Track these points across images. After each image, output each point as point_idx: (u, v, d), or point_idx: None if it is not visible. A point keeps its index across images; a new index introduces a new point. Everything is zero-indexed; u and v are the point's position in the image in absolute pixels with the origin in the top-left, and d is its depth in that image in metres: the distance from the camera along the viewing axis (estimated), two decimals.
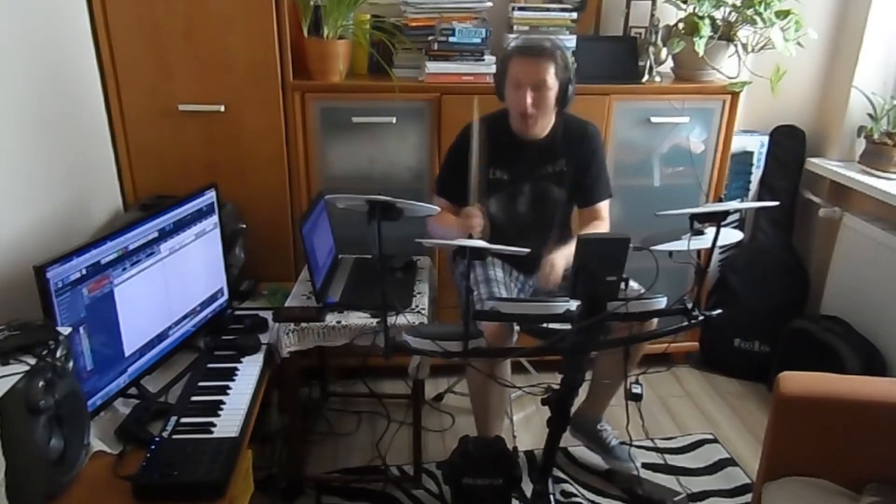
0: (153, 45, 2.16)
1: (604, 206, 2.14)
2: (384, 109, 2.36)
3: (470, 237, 1.77)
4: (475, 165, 1.91)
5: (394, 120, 2.37)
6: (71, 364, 1.39)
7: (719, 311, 1.68)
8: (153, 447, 1.48)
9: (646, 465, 2.26)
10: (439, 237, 2.03)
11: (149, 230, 1.73)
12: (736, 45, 2.46)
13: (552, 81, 1.93)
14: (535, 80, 1.92)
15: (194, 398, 1.69)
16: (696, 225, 1.62)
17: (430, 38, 2.37)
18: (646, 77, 2.52)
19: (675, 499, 2.10)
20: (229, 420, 1.61)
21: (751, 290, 2.79)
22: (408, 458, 2.25)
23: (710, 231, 1.61)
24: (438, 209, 1.71)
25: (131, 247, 1.67)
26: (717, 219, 1.60)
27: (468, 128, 2.05)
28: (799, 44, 2.40)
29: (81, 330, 1.51)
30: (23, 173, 1.72)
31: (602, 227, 2.12)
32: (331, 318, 1.95)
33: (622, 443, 2.23)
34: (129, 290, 1.66)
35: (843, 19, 2.64)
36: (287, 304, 2.05)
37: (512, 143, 2.04)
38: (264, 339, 1.97)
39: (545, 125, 2.02)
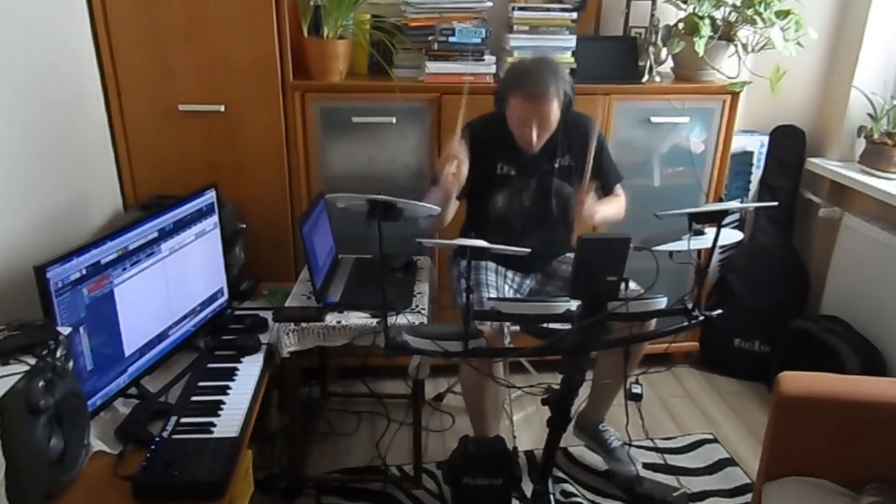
0: (153, 46, 2.16)
1: (618, 189, 2.19)
2: (384, 109, 2.36)
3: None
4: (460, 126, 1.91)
5: (394, 120, 2.37)
6: (71, 364, 1.39)
7: (719, 311, 1.68)
8: (153, 447, 1.48)
9: (646, 465, 2.26)
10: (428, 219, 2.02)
11: (149, 230, 1.73)
12: (736, 45, 2.46)
13: (556, 113, 1.93)
14: (540, 118, 1.92)
15: (194, 398, 1.69)
16: (696, 225, 1.62)
17: (430, 38, 2.37)
18: (646, 77, 2.52)
19: (674, 494, 2.10)
20: (229, 420, 1.61)
21: (751, 290, 2.79)
22: (408, 458, 2.25)
23: (711, 231, 1.61)
24: (438, 209, 1.71)
25: (131, 247, 1.66)
26: (717, 219, 1.60)
27: (468, 127, 2.05)
28: (799, 44, 2.40)
29: (81, 330, 1.51)
30: (23, 173, 1.72)
31: (618, 201, 2.17)
32: (331, 318, 1.94)
33: (623, 443, 2.23)
34: (129, 290, 1.66)
35: (843, 19, 2.64)
36: (287, 304, 2.05)
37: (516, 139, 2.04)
38: (264, 339, 1.97)
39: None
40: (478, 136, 2.04)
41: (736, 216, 2.79)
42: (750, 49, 2.47)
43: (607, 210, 2.08)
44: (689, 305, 1.65)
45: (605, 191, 2.18)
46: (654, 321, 1.91)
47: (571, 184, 2.12)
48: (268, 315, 2.05)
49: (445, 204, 1.91)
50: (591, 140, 1.89)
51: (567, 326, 1.58)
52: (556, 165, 2.08)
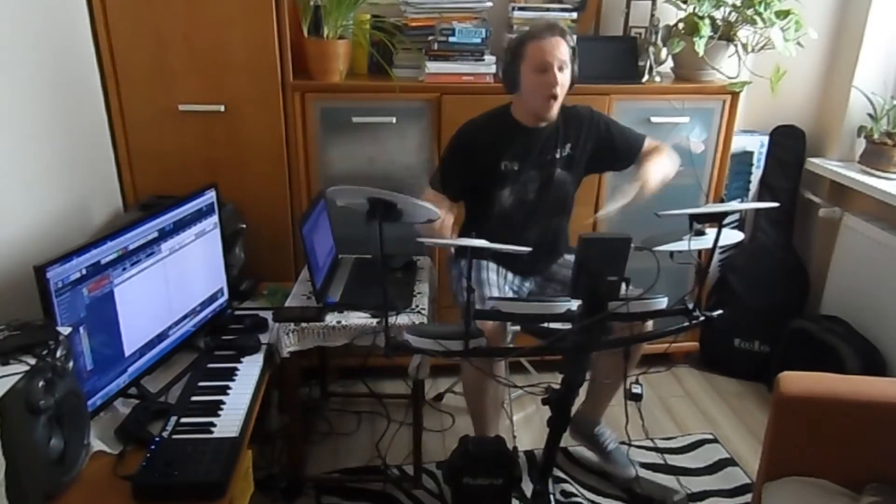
0: (153, 46, 2.16)
1: (649, 142, 2.14)
2: (384, 109, 2.36)
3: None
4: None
5: (394, 120, 2.37)
6: (71, 364, 1.39)
7: (720, 311, 1.68)
8: (153, 447, 1.48)
9: (646, 465, 2.26)
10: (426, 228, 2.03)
11: (149, 230, 1.73)
12: (736, 45, 2.46)
13: (569, 58, 1.94)
14: (560, 58, 1.92)
15: (194, 398, 1.69)
16: (697, 225, 1.62)
17: (430, 38, 2.37)
18: (646, 77, 2.52)
19: (675, 498, 2.10)
20: (229, 420, 1.61)
21: (751, 290, 2.79)
22: (408, 458, 2.25)
23: (711, 231, 1.61)
24: (439, 213, 1.71)
25: (131, 247, 1.66)
26: (718, 219, 1.60)
27: (464, 128, 2.06)
28: (799, 44, 2.40)
29: (81, 330, 1.51)
30: (23, 173, 1.72)
31: (664, 148, 2.13)
32: (331, 318, 1.94)
33: (622, 442, 2.23)
34: (129, 289, 1.66)
35: (843, 19, 2.64)
36: (287, 304, 2.05)
37: (518, 133, 2.04)
38: (264, 339, 1.97)
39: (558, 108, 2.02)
40: (477, 137, 2.04)
41: (736, 216, 2.79)
42: (750, 49, 2.47)
43: (659, 170, 2.00)
44: (690, 305, 1.65)
45: (635, 155, 2.12)
46: (653, 321, 1.91)
47: (573, 173, 2.12)
48: (268, 315, 2.05)
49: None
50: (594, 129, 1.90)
51: (567, 326, 1.58)
52: (558, 156, 2.08)
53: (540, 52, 1.92)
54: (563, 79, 1.94)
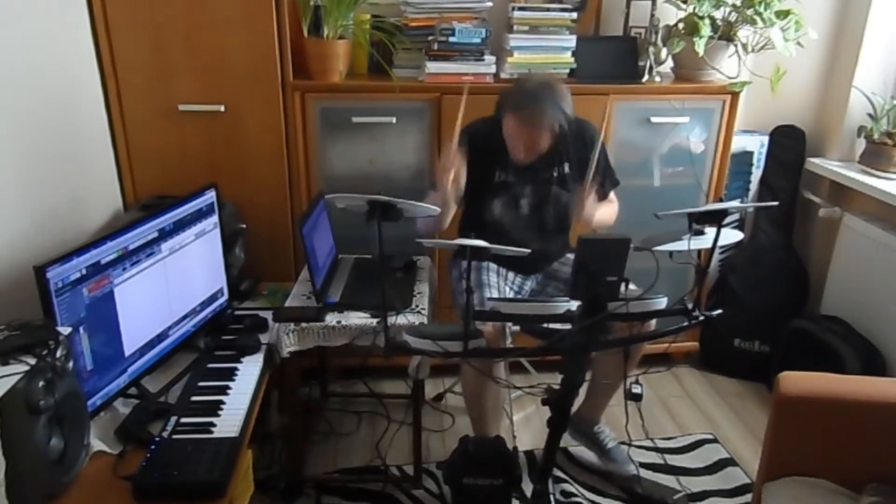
0: (153, 45, 2.16)
1: (612, 195, 2.21)
2: (384, 109, 2.36)
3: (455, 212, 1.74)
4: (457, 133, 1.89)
5: (394, 120, 2.37)
6: (71, 364, 1.39)
7: (719, 311, 1.68)
8: (153, 447, 1.48)
9: (646, 465, 2.26)
10: (425, 222, 2.04)
11: (149, 230, 1.73)
12: (736, 45, 2.46)
13: (546, 140, 1.94)
14: (529, 141, 1.94)
15: (194, 398, 1.69)
16: (696, 225, 1.62)
17: (430, 38, 2.37)
18: (646, 77, 2.52)
19: (675, 497, 2.11)
20: (229, 420, 1.61)
21: (751, 290, 2.79)
22: (408, 458, 2.25)
23: (711, 231, 1.61)
24: (439, 209, 1.70)
25: (131, 247, 1.66)
26: (718, 219, 1.60)
27: (469, 127, 2.06)
28: (799, 44, 2.40)
29: (81, 330, 1.51)
30: (23, 173, 1.72)
31: (613, 206, 2.19)
32: (331, 318, 1.94)
33: (622, 443, 2.23)
34: (130, 290, 1.66)
35: (843, 19, 2.64)
36: (287, 304, 2.05)
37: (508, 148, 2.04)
38: (264, 339, 1.97)
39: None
40: (476, 140, 2.04)
41: (736, 216, 2.79)
42: (750, 49, 2.47)
43: (604, 213, 2.09)
44: (689, 305, 1.65)
45: (601, 195, 2.17)
46: (653, 321, 1.91)
47: (569, 192, 2.12)
48: (268, 315, 2.05)
49: (443, 210, 1.92)
50: (595, 149, 1.88)
51: (567, 326, 1.58)
52: (555, 174, 2.09)
53: (512, 128, 1.94)
54: (535, 147, 1.95)
